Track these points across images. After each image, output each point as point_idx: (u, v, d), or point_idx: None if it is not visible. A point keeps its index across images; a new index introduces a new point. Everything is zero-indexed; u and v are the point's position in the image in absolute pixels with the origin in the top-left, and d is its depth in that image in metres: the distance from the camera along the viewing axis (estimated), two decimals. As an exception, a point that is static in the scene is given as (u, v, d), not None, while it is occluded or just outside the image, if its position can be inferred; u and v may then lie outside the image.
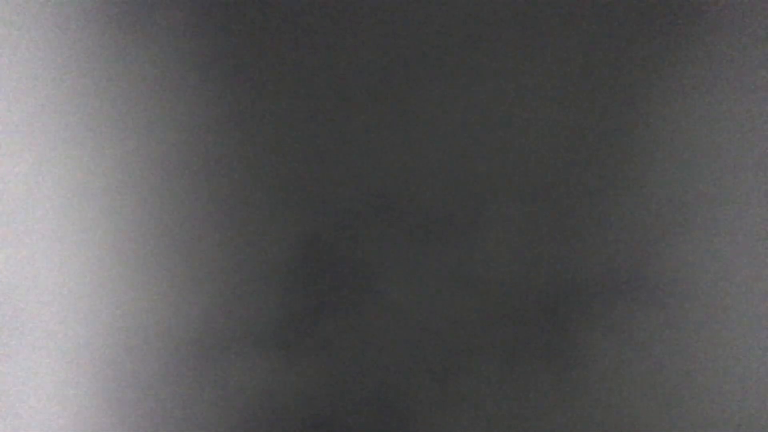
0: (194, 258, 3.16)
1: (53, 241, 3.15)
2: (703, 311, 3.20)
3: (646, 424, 3.19)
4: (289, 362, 3.16)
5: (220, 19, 3.19)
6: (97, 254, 3.16)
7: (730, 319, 3.19)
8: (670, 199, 3.21)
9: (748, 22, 3.23)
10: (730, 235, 3.20)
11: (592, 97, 3.22)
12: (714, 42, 3.24)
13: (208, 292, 3.16)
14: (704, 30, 3.24)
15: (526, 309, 3.19)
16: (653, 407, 3.19)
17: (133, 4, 3.12)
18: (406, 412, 3.17)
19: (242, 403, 3.16)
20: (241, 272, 3.17)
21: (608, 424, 3.19)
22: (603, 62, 3.22)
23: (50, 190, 3.15)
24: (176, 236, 3.17)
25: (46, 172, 3.15)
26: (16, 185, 3.14)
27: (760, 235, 3.20)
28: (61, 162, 3.16)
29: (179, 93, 3.19)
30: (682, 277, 3.20)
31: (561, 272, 3.19)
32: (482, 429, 3.18)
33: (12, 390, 3.11)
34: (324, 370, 3.17)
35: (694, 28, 3.24)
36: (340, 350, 3.17)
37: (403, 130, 3.17)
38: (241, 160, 3.18)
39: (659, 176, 3.21)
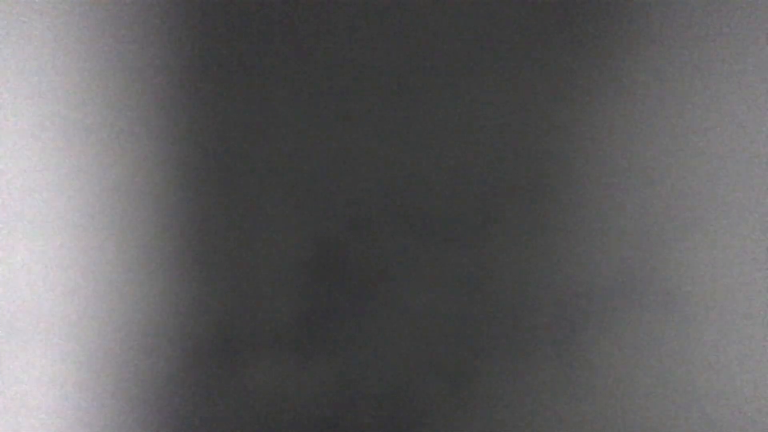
0: (207, 260, 3.17)
1: (67, 241, 3.15)
2: (712, 314, 3.19)
3: (657, 425, 3.19)
4: (302, 363, 3.16)
5: (228, 20, 3.20)
6: (110, 256, 3.16)
7: (740, 322, 3.19)
8: (680, 202, 3.21)
9: (748, 23, 3.22)
10: (741, 238, 3.19)
11: (599, 100, 3.22)
12: (714, 44, 3.24)
13: (221, 294, 3.16)
14: (703, 30, 3.23)
15: (537, 311, 3.19)
16: (663, 409, 3.19)
17: (137, 4, 3.12)
18: (418, 412, 3.17)
19: (255, 403, 3.16)
20: (254, 274, 3.17)
21: (619, 426, 3.18)
22: (606, 64, 3.22)
23: (63, 189, 3.15)
24: (189, 238, 3.17)
25: (60, 171, 3.15)
26: (30, 185, 3.14)
27: (770, 237, 3.19)
28: (74, 161, 3.16)
29: (190, 94, 3.19)
30: (692, 280, 3.19)
31: (571, 275, 3.19)
32: (493, 429, 3.17)
33: (25, 390, 3.12)
34: (337, 372, 3.17)
35: (694, 29, 3.24)
36: (353, 352, 3.17)
37: (415, 133, 3.17)
38: (253, 162, 3.18)
39: (669, 179, 3.21)
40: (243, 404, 3.14)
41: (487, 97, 3.21)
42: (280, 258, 3.16)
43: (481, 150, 3.19)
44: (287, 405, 3.16)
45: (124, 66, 3.17)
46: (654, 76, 3.23)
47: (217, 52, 3.19)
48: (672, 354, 3.18)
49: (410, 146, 3.19)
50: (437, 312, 3.18)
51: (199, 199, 3.16)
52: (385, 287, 3.17)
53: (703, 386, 3.18)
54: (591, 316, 3.18)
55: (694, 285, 3.18)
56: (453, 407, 3.17)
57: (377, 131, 3.19)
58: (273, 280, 3.16)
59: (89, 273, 3.14)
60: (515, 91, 3.21)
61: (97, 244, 3.15)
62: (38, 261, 3.14)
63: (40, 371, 3.12)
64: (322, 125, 3.19)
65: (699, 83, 3.22)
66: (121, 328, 3.14)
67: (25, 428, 3.11)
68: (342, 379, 3.16)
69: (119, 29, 3.17)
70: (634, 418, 3.18)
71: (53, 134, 3.16)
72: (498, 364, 3.18)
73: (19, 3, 3.15)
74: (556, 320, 3.18)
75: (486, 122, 3.20)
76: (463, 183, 3.19)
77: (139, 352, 3.13)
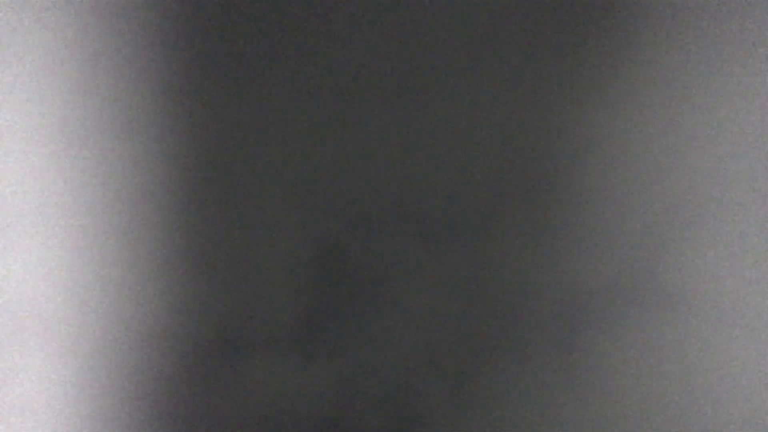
0: (208, 260, 3.17)
1: (67, 241, 3.15)
2: (713, 315, 3.19)
3: (657, 426, 3.18)
4: (302, 364, 3.16)
5: (228, 20, 3.19)
6: (113, 256, 3.17)
7: (740, 323, 3.18)
8: (681, 203, 3.20)
9: (749, 24, 3.21)
10: (741, 239, 3.19)
11: (599, 101, 3.22)
12: (713, 45, 3.23)
13: (221, 294, 3.17)
14: (705, 30, 3.23)
15: (539, 313, 3.19)
16: (664, 409, 3.18)
17: (142, 4, 3.12)
18: (419, 413, 3.17)
19: (256, 404, 3.16)
20: (255, 275, 3.17)
21: (620, 426, 3.18)
22: (606, 65, 3.22)
23: (63, 189, 3.15)
24: (190, 238, 3.17)
25: (60, 170, 3.16)
26: (30, 185, 3.14)
27: (772, 237, 3.18)
28: (74, 161, 3.16)
29: (190, 94, 3.19)
30: (694, 282, 3.19)
31: (573, 276, 3.19)
32: (494, 430, 3.17)
33: (25, 390, 3.12)
34: (337, 372, 3.17)
35: (693, 30, 3.23)
36: (354, 352, 3.17)
37: (416, 134, 3.17)
38: (254, 163, 3.18)
39: (670, 180, 3.21)
40: (243, 404, 3.14)
41: (488, 98, 3.20)
42: (281, 258, 3.16)
43: (482, 151, 3.19)
44: (288, 405, 3.16)
45: (124, 66, 3.17)
46: (655, 77, 3.22)
47: (217, 52, 3.19)
48: (672, 354, 3.18)
49: (411, 147, 3.19)
50: (438, 313, 3.17)
51: (200, 200, 3.16)
52: (386, 288, 3.17)
53: (703, 386, 3.17)
54: (592, 316, 3.18)
55: (695, 286, 3.18)
56: (454, 408, 3.17)
57: (378, 132, 3.19)
58: (274, 281, 3.16)
59: (89, 273, 3.15)
60: (516, 92, 3.21)
61: (97, 244, 3.15)
62: (38, 261, 3.14)
63: (40, 371, 3.12)
64: (322, 126, 3.19)
65: (700, 84, 3.22)
66: (121, 328, 3.14)
67: (25, 428, 3.11)
68: (343, 380, 3.16)
69: (119, 29, 3.17)
70: (635, 418, 3.18)
71: (53, 134, 3.16)
72: (499, 365, 3.18)
73: (19, 3, 3.15)
74: (556, 321, 3.18)
75: (487, 123, 3.20)
76: (464, 184, 3.19)
77: (139, 352, 3.14)
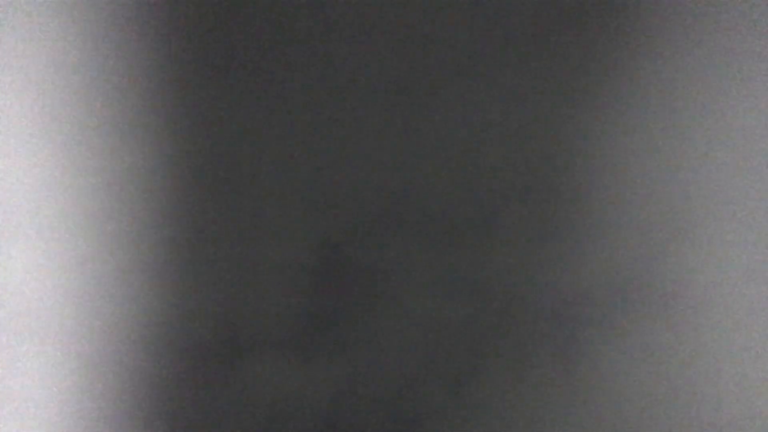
0: (210, 262, 3.17)
1: (68, 241, 3.15)
2: (712, 317, 3.19)
3: (657, 428, 3.19)
4: (304, 365, 3.16)
5: (229, 21, 3.18)
6: (113, 256, 3.16)
7: (737, 326, 3.19)
8: (680, 206, 3.20)
9: (750, 27, 3.21)
10: (738, 242, 3.19)
11: (599, 104, 3.21)
12: (714, 48, 3.23)
13: (223, 296, 3.16)
14: (705, 30, 3.22)
15: (538, 314, 3.19)
16: (664, 412, 3.19)
17: (142, 4, 3.11)
18: (420, 414, 3.18)
19: (257, 405, 3.16)
20: (257, 277, 3.17)
21: (620, 427, 3.19)
22: (605, 68, 3.21)
23: (64, 190, 3.15)
24: (192, 240, 3.17)
25: (61, 171, 3.15)
26: (30, 185, 3.14)
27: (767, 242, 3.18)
28: (75, 161, 3.16)
29: (192, 96, 3.18)
30: (692, 284, 3.19)
31: (572, 278, 3.19)
32: (494, 431, 3.18)
33: (25, 390, 3.12)
34: (338, 374, 3.17)
35: (696, 27, 3.22)
36: (355, 354, 3.17)
37: (418, 136, 3.16)
38: (256, 165, 3.17)
39: (668, 183, 3.20)
40: (244, 406, 3.15)
41: (488, 98, 3.20)
42: (282, 260, 3.16)
43: (482, 154, 3.19)
44: (289, 407, 3.16)
45: (124, 66, 3.16)
46: (655, 78, 3.22)
47: (217, 52, 3.18)
48: (672, 357, 3.18)
49: (412, 150, 3.18)
50: (439, 315, 3.18)
51: (202, 202, 3.16)
52: (387, 290, 3.17)
53: (703, 387, 3.18)
54: (591, 319, 3.18)
55: (694, 288, 3.18)
56: (454, 409, 3.18)
57: (379, 134, 3.19)
58: (275, 283, 3.16)
59: (90, 273, 3.14)
60: (516, 95, 3.20)
61: (98, 244, 3.15)
62: (38, 262, 3.14)
63: (39, 371, 3.12)
64: (322, 126, 3.19)
65: (700, 85, 3.21)
66: (121, 328, 3.14)
67: (25, 428, 3.12)
68: (343, 380, 3.16)
69: (119, 29, 3.16)
70: (635, 418, 3.19)
71: (53, 134, 3.16)
72: (499, 367, 3.18)
73: (19, 3, 3.14)
74: (557, 323, 3.18)
75: (487, 126, 3.19)
76: (465, 187, 3.19)
77: (139, 352, 3.14)
